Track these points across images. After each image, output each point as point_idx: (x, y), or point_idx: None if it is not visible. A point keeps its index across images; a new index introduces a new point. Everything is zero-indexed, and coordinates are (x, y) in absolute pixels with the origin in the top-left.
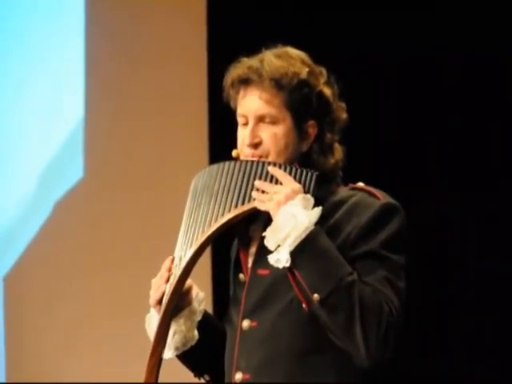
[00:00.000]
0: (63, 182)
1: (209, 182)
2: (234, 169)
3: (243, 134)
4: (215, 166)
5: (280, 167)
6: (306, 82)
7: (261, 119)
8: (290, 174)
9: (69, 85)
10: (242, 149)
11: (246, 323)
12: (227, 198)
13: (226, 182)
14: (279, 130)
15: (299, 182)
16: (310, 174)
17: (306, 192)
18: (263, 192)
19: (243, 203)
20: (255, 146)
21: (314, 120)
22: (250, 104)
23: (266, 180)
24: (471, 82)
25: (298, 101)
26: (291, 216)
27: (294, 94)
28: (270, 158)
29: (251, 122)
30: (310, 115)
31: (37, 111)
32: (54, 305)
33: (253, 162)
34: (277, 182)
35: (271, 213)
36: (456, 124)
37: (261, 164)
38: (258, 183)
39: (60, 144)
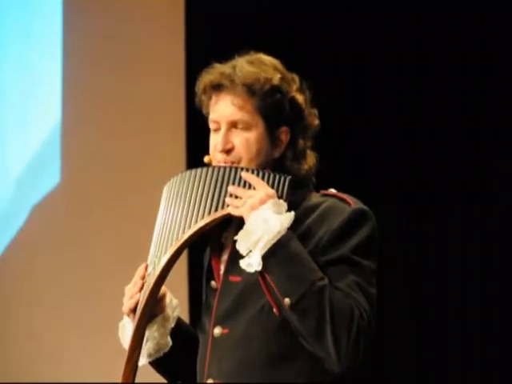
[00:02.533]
0: (40, 186)
1: (182, 188)
2: (206, 175)
3: (215, 140)
4: (187, 173)
5: (253, 172)
6: (279, 87)
7: (233, 125)
8: (263, 179)
9: (45, 91)
10: (214, 155)
11: (217, 330)
12: (200, 204)
13: (198, 188)
14: (251, 135)
15: (272, 186)
16: (283, 178)
17: (279, 197)
18: (237, 197)
19: (217, 209)
20: (227, 151)
21: (287, 126)
22: (223, 110)
23: (239, 185)
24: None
25: (271, 107)
26: (263, 220)
27: (267, 99)
28: (242, 164)
29: (223, 128)
30: (283, 121)
31: (13, 116)
32: (29, 309)
33: (225, 167)
34: (250, 187)
35: (244, 218)
36: (430, 129)
37: (234, 170)
38: (231, 189)
39: (37, 149)
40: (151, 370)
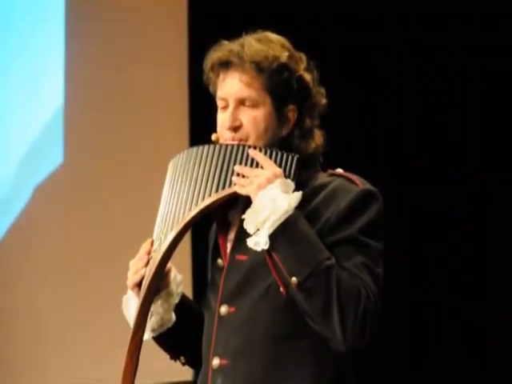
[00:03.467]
0: (43, 167)
1: (188, 165)
2: (213, 153)
3: (223, 118)
4: (194, 149)
5: (260, 151)
6: (286, 65)
7: (241, 102)
8: (271, 157)
9: (49, 71)
10: (222, 132)
11: (223, 309)
12: (207, 182)
13: (205, 166)
14: (259, 113)
15: (280, 165)
16: (290, 157)
17: (286, 176)
18: (243, 176)
19: (223, 188)
20: (235, 129)
21: (294, 104)
22: (230, 87)
23: (246, 164)
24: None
25: (278, 84)
26: (271, 199)
27: (275, 77)
28: (250, 142)
29: (231, 105)
30: (290, 100)
31: (17, 97)
32: (34, 290)
33: (233, 145)
34: (257, 165)
35: (251, 196)
36: (435, 117)
37: (241, 148)
38: (237, 168)
39: (40, 130)
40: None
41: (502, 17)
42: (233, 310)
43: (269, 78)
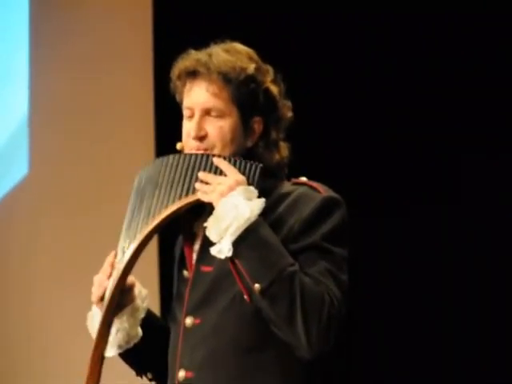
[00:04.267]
0: (8, 178)
1: (153, 175)
2: (178, 161)
3: (189, 127)
4: (159, 160)
5: (225, 159)
6: (253, 77)
7: (207, 112)
8: (235, 165)
9: (12, 81)
10: (187, 142)
11: (189, 320)
12: (171, 190)
13: (170, 174)
14: (225, 123)
15: (243, 174)
16: (254, 166)
17: (249, 184)
18: (207, 184)
19: (187, 195)
20: (200, 138)
21: (260, 116)
22: (197, 96)
23: (210, 172)
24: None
25: (245, 96)
26: (233, 206)
27: (242, 88)
28: (215, 152)
29: (197, 115)
30: (256, 111)
31: None
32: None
33: (197, 154)
34: (221, 173)
35: (214, 204)
36: (403, 118)
37: (205, 156)
38: (201, 175)
39: (4, 140)
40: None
41: (487, 21)
42: (198, 321)
43: (236, 89)
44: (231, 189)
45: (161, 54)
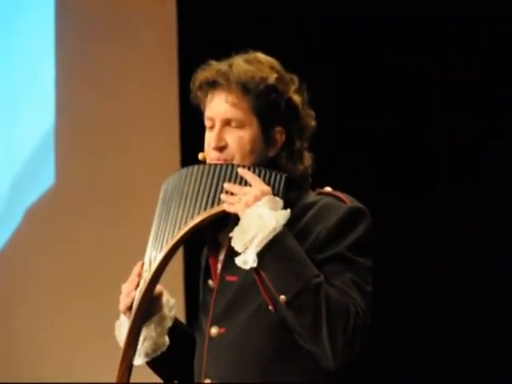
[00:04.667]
0: (34, 187)
1: (178, 185)
2: (203, 172)
3: (209, 137)
4: (184, 170)
5: (249, 169)
6: (274, 87)
7: (227, 123)
8: (260, 175)
9: (39, 90)
10: (208, 152)
11: (214, 330)
12: (196, 201)
13: (195, 185)
14: (245, 134)
15: (268, 184)
16: (279, 176)
17: (274, 194)
18: (232, 194)
19: (213, 206)
20: (220, 149)
21: (282, 126)
22: (217, 107)
23: (235, 183)
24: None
25: (265, 106)
26: (258, 217)
27: (261, 98)
28: (235, 162)
29: (217, 126)
30: (278, 121)
31: (7, 117)
32: (25, 310)
33: (222, 164)
34: (246, 184)
35: (239, 214)
36: (424, 129)
37: (230, 166)
38: (226, 185)
39: (31, 150)
40: (148, 370)
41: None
42: (223, 330)
43: (255, 99)
44: (256, 199)
45: (186, 64)
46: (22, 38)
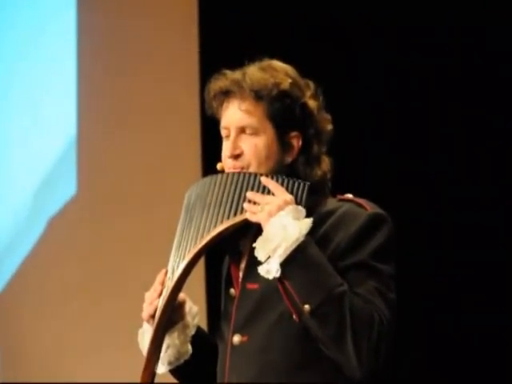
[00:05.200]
0: (56, 197)
1: (201, 194)
2: (226, 181)
3: (225, 146)
4: (207, 179)
5: (272, 178)
6: (288, 93)
7: (242, 130)
8: (283, 184)
9: (61, 101)
10: (225, 161)
11: (236, 338)
12: (219, 209)
13: (218, 194)
14: (260, 140)
15: (291, 192)
16: (302, 184)
17: (297, 203)
18: (255, 203)
19: (235, 215)
20: (236, 157)
21: (298, 131)
22: (231, 116)
23: (258, 191)
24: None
25: (279, 111)
26: (281, 226)
27: (275, 104)
28: (251, 169)
29: (233, 134)
30: (294, 126)
31: (30, 128)
32: (47, 322)
33: (245, 173)
34: (269, 192)
35: (262, 224)
36: (443, 136)
37: (253, 175)
38: (249, 194)
39: (53, 160)
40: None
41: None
42: (245, 339)
43: (269, 105)
44: (280, 208)
45: (207, 75)
46: (47, 51)
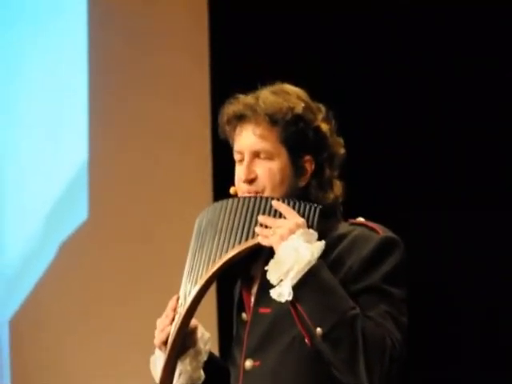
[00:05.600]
0: (68, 223)
1: (212, 219)
2: (237, 205)
3: (239, 171)
4: (219, 204)
5: (284, 202)
6: (302, 116)
7: (256, 155)
8: (294, 208)
9: (73, 126)
10: (239, 185)
11: (248, 363)
12: (231, 234)
13: (229, 218)
14: (275, 165)
15: (303, 216)
16: (313, 208)
17: (309, 226)
18: (266, 227)
19: (247, 239)
20: (251, 181)
21: (311, 155)
22: (245, 140)
23: (269, 215)
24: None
25: (294, 136)
26: (293, 250)
27: (289, 128)
28: (266, 193)
29: (247, 158)
30: (306, 150)
31: (42, 152)
32: (60, 346)
33: (256, 197)
34: (280, 216)
35: (274, 247)
36: (448, 148)
37: (264, 199)
38: (261, 218)
39: (65, 185)
40: None
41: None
42: (258, 363)
43: (283, 129)
44: (291, 232)
45: (218, 99)
46: (57, 75)
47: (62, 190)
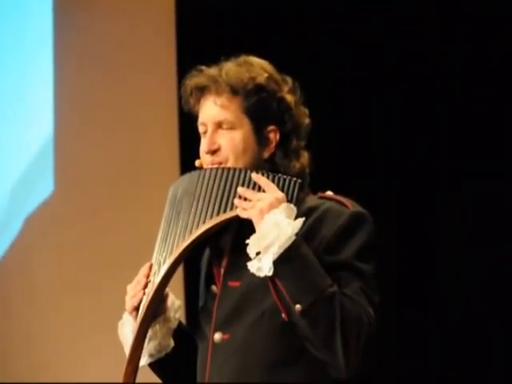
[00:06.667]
0: (34, 196)
1: (189, 188)
2: (215, 176)
3: (203, 142)
4: (196, 173)
5: (263, 175)
6: (264, 87)
7: (219, 126)
8: (274, 181)
9: (37, 98)
10: (203, 157)
11: (217, 336)
12: (209, 204)
13: (207, 188)
14: (237, 135)
15: (282, 190)
16: (293, 182)
17: (288, 200)
18: (245, 199)
19: (225, 211)
20: (213, 152)
21: (275, 125)
22: (207, 111)
23: (248, 188)
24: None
25: (255, 105)
26: (275, 224)
27: (250, 98)
28: (229, 164)
29: (210, 129)
30: (271, 120)
31: (6, 126)
32: (26, 319)
33: (235, 169)
34: (259, 189)
35: (253, 220)
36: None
37: (244, 171)
38: (240, 190)
39: (30, 158)
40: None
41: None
42: (227, 336)
43: (245, 99)
44: (272, 206)
45: (185, 69)
46: (23, 50)
47: (27, 163)
